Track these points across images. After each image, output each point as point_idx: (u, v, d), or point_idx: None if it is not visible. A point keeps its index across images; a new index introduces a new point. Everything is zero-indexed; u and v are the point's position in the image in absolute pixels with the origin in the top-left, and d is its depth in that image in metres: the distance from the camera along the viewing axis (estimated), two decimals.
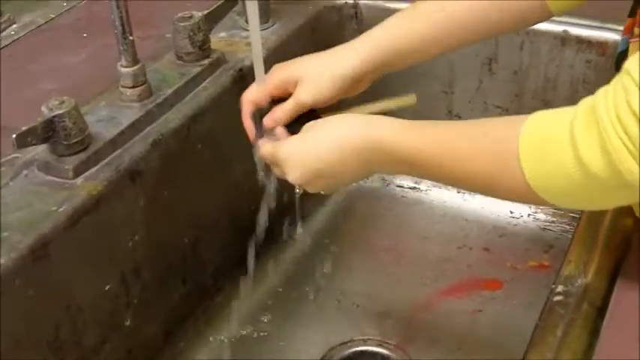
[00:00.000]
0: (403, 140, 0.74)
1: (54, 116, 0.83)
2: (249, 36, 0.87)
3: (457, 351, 1.05)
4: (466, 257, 1.19)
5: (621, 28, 0.85)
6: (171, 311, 1.01)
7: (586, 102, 0.63)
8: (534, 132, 0.65)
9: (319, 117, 0.85)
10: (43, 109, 0.84)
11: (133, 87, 0.93)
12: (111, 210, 0.87)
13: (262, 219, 0.96)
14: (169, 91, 0.96)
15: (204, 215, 1.04)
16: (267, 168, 0.87)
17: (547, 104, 1.18)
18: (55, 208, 0.82)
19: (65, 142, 0.85)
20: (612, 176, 0.60)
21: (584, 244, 0.78)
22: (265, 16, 1.12)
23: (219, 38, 1.08)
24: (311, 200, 1.19)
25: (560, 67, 1.14)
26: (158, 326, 0.99)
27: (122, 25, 0.88)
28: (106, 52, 1.03)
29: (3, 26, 1.14)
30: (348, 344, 1.06)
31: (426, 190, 1.30)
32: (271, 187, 0.93)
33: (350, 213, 1.28)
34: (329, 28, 1.22)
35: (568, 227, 1.20)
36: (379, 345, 1.06)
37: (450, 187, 1.28)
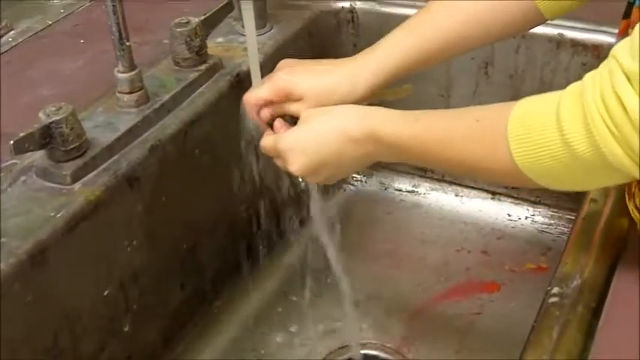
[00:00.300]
0: (400, 129, 0.76)
1: (51, 122, 0.83)
2: (246, 41, 0.87)
3: (456, 353, 1.05)
4: (464, 260, 1.19)
5: (616, 30, 0.86)
6: (170, 316, 1.01)
7: (574, 85, 0.64)
8: (523, 114, 0.67)
9: None
10: (41, 115, 0.84)
11: (130, 93, 0.93)
12: (109, 215, 0.87)
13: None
14: (166, 97, 0.96)
15: (202, 220, 1.04)
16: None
17: None
18: (53, 214, 0.82)
19: (63, 148, 0.85)
20: (596, 157, 0.61)
21: (580, 245, 0.79)
22: (262, 20, 1.12)
23: (216, 44, 1.08)
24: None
25: (556, 70, 1.14)
26: (157, 331, 0.99)
27: (119, 30, 0.88)
28: (103, 58, 1.03)
29: (1, 32, 1.14)
30: (348, 348, 1.06)
31: (425, 194, 1.30)
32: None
33: (349, 217, 1.28)
34: (326, 32, 1.22)
35: (565, 229, 1.20)
36: (378, 348, 1.07)
37: (448, 191, 1.30)
